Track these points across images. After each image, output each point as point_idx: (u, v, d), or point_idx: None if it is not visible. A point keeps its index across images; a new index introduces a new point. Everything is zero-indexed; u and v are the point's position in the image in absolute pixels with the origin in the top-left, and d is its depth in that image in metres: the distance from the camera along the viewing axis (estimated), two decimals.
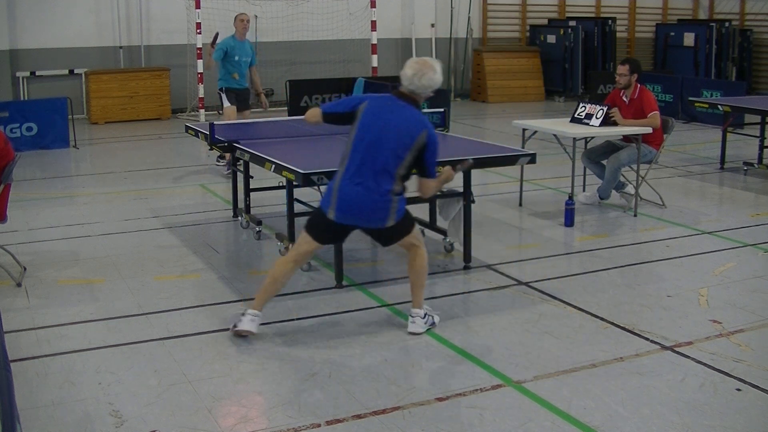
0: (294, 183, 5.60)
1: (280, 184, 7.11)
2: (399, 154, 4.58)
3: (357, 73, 14.27)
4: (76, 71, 14.35)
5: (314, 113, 4.93)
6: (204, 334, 4.86)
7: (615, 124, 7.73)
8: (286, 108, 13.44)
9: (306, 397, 4.06)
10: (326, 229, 4.77)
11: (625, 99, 7.88)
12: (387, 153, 4.56)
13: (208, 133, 6.61)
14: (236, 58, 9.37)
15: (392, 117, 4.61)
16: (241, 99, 9.65)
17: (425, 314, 4.89)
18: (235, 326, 4.76)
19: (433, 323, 4.92)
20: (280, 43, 14.92)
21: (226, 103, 9.50)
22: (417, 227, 4.98)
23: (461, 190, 6.07)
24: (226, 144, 6.52)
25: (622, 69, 7.84)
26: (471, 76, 17.98)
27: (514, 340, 4.77)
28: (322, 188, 5.46)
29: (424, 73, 4.60)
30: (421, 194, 4.87)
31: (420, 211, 7.06)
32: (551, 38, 17.97)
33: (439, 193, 6.53)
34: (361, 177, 4.59)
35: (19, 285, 5.69)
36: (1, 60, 13.78)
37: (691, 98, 11.07)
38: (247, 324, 4.73)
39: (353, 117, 4.72)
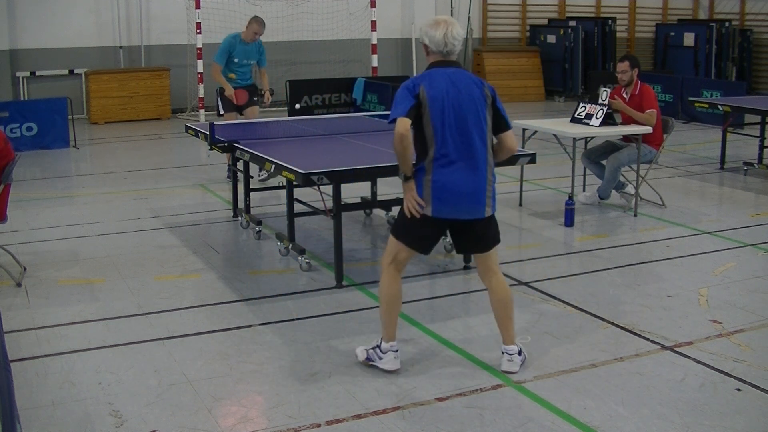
0: (294, 183, 5.60)
1: (280, 184, 7.12)
2: (482, 123, 4.15)
3: (357, 73, 14.28)
4: (76, 71, 14.36)
5: (404, 124, 4.05)
6: (204, 334, 4.86)
7: (615, 123, 7.74)
8: (286, 108, 13.45)
9: (306, 397, 4.06)
10: (422, 230, 4.25)
11: (625, 95, 7.88)
12: (473, 127, 4.12)
13: (208, 133, 6.61)
14: (236, 60, 8.88)
15: (460, 87, 4.13)
16: (244, 107, 9.29)
17: (520, 350, 4.40)
18: (370, 360, 4.38)
19: (525, 358, 4.44)
20: (280, 43, 14.90)
21: (222, 111, 9.20)
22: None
23: None
24: (226, 144, 6.52)
25: (623, 66, 7.84)
26: None
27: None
28: (323, 188, 5.47)
29: (452, 29, 4.16)
30: (508, 152, 4.30)
31: None
32: (551, 38, 17.97)
33: None
34: (457, 163, 4.12)
35: (19, 285, 5.69)
36: (1, 60, 13.78)
37: (691, 98, 11.07)
38: (392, 363, 4.33)
39: (420, 105, 4.10)
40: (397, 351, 4.32)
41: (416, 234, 4.26)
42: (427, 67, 4.28)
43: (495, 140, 4.33)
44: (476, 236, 4.28)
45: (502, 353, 4.36)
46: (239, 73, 9.01)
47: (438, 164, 4.13)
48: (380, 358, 4.33)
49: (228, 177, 8.80)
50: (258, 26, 8.70)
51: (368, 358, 4.38)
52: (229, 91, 8.78)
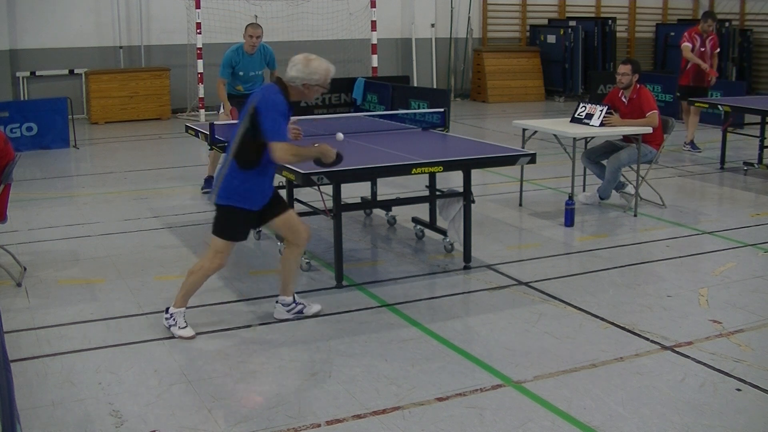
0: (294, 183, 5.60)
1: (280, 184, 7.11)
2: (239, 130, 4.66)
3: (357, 73, 14.27)
4: (76, 71, 14.37)
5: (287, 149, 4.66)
6: (204, 334, 4.86)
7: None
8: None
9: (306, 397, 4.06)
10: None
11: (624, 99, 7.88)
12: (234, 133, 4.70)
13: (208, 133, 6.61)
14: (240, 73, 8.48)
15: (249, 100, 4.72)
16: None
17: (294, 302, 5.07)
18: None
19: (301, 312, 5.10)
20: (280, 43, 14.87)
21: (221, 110, 9.08)
22: (222, 240, 4.87)
23: (461, 190, 6.07)
24: (226, 144, 6.52)
25: (625, 69, 7.84)
26: (471, 76, 17.99)
27: (514, 340, 4.77)
28: (323, 188, 5.48)
29: (309, 63, 4.82)
30: (274, 159, 4.63)
31: (420, 211, 7.08)
32: (551, 38, 17.98)
33: (439, 193, 6.55)
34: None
35: (19, 285, 5.69)
36: (1, 60, 13.79)
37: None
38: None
39: None
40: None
41: None
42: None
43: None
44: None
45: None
46: (246, 86, 8.63)
47: None
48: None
49: (203, 190, 8.59)
50: (252, 29, 8.33)
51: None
52: (226, 109, 8.49)
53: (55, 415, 3.87)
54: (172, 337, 4.81)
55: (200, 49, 13.91)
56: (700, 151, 11.11)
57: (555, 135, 7.93)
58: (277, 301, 5.11)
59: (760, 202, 8.38)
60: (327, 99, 13.32)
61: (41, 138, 11.50)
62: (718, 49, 11.72)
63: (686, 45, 11.20)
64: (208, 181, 8.66)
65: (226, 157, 4.79)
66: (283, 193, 7.01)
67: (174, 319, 4.84)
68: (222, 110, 8.74)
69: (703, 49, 11.24)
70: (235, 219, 4.78)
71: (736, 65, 18.36)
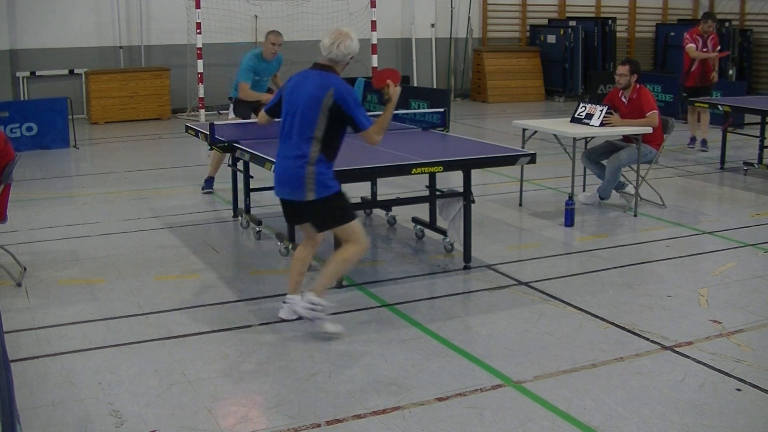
0: None
1: None
2: (309, 116, 4.64)
3: (357, 73, 14.26)
4: (76, 71, 14.36)
5: (261, 114, 5.22)
6: (204, 334, 4.86)
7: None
8: None
9: (306, 397, 4.06)
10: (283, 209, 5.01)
11: (623, 99, 7.89)
12: (297, 119, 4.68)
13: (208, 133, 6.61)
14: (256, 77, 8.48)
15: (304, 85, 4.73)
16: (257, 107, 9.06)
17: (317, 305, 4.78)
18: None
19: (316, 319, 4.79)
20: None
21: (231, 114, 9.05)
22: (356, 225, 4.83)
23: (461, 190, 6.07)
24: (226, 144, 6.52)
25: (623, 69, 7.85)
26: (471, 76, 17.99)
27: (514, 340, 4.77)
28: None
29: (342, 41, 4.70)
30: (371, 145, 4.89)
31: (420, 211, 7.07)
32: (551, 38, 17.97)
33: (439, 193, 6.55)
34: (283, 149, 4.76)
35: (19, 285, 5.69)
36: (1, 60, 13.79)
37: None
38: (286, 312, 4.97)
39: (281, 98, 4.91)
40: (285, 303, 4.98)
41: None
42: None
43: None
44: (308, 215, 4.86)
45: (283, 302, 5.01)
46: (257, 89, 8.63)
47: (278, 152, 4.84)
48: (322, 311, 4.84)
49: (204, 191, 8.62)
50: (274, 37, 8.39)
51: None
52: (265, 97, 8.26)
53: (55, 415, 3.87)
54: (172, 337, 4.81)
55: (200, 49, 13.90)
56: (706, 151, 11.18)
57: (555, 135, 7.93)
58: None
59: (760, 202, 8.38)
60: None
61: (41, 138, 11.50)
62: (727, 52, 11.94)
63: (691, 46, 11.27)
64: (209, 182, 8.66)
65: (290, 160, 4.69)
66: None
67: (323, 310, 4.76)
68: (231, 113, 8.69)
69: (705, 49, 11.32)
70: (343, 199, 4.87)
71: (736, 65, 18.35)
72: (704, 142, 11.39)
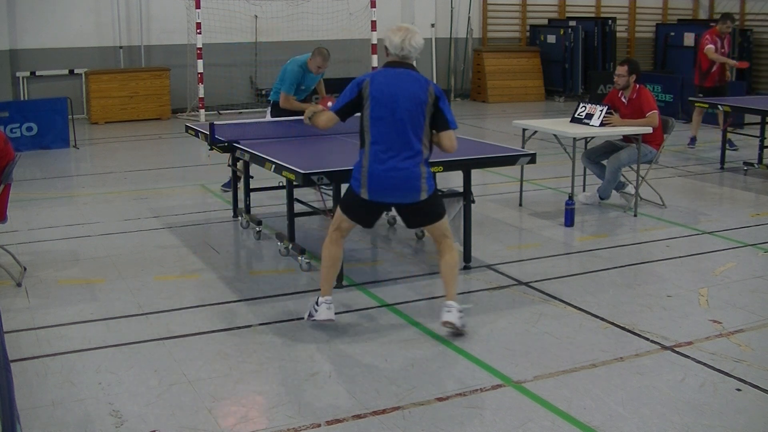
0: (294, 183, 5.60)
1: (280, 184, 7.12)
2: (416, 116, 4.59)
3: (357, 73, 14.25)
4: (76, 71, 14.36)
5: (328, 117, 4.86)
6: (204, 334, 4.86)
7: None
8: None
9: (306, 397, 4.06)
10: (360, 209, 4.81)
11: (623, 99, 7.89)
12: (405, 119, 4.58)
13: (208, 133, 6.60)
14: (302, 87, 8.30)
15: (399, 85, 4.62)
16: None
17: (460, 309, 4.80)
18: (311, 316, 4.89)
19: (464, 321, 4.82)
20: (280, 43, 14.90)
21: (268, 117, 8.84)
22: (447, 219, 4.94)
23: (461, 190, 6.07)
24: (226, 144, 6.52)
25: (621, 70, 7.85)
26: (471, 76, 17.99)
27: (514, 340, 4.77)
28: (322, 188, 5.48)
29: (412, 37, 4.66)
30: (447, 149, 4.77)
31: None
32: (551, 38, 17.97)
33: (439, 193, 6.54)
34: (388, 153, 4.60)
35: (19, 285, 5.69)
36: (1, 60, 13.78)
37: (691, 98, 11.07)
38: (326, 313, 4.85)
39: (361, 99, 4.68)
40: (330, 304, 4.85)
41: (356, 211, 4.82)
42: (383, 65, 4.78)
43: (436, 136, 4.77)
44: (420, 214, 4.82)
45: (442, 307, 4.81)
46: (299, 98, 8.37)
47: (372, 154, 4.64)
48: (316, 311, 4.85)
49: (223, 188, 8.66)
50: (322, 60, 8.11)
51: (309, 315, 4.90)
52: (316, 107, 8.11)
53: (55, 415, 3.87)
54: (172, 337, 4.81)
55: (200, 49, 13.90)
56: (693, 147, 11.29)
57: (555, 135, 7.93)
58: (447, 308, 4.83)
59: (760, 202, 8.38)
60: None
61: (41, 138, 11.50)
62: (747, 64, 12.20)
63: (710, 47, 11.22)
64: (229, 183, 8.48)
65: (401, 161, 4.62)
66: (282, 193, 7.03)
67: (463, 314, 4.78)
68: (269, 116, 8.50)
69: (723, 50, 11.34)
70: (440, 196, 5.00)
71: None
72: (693, 140, 11.50)
